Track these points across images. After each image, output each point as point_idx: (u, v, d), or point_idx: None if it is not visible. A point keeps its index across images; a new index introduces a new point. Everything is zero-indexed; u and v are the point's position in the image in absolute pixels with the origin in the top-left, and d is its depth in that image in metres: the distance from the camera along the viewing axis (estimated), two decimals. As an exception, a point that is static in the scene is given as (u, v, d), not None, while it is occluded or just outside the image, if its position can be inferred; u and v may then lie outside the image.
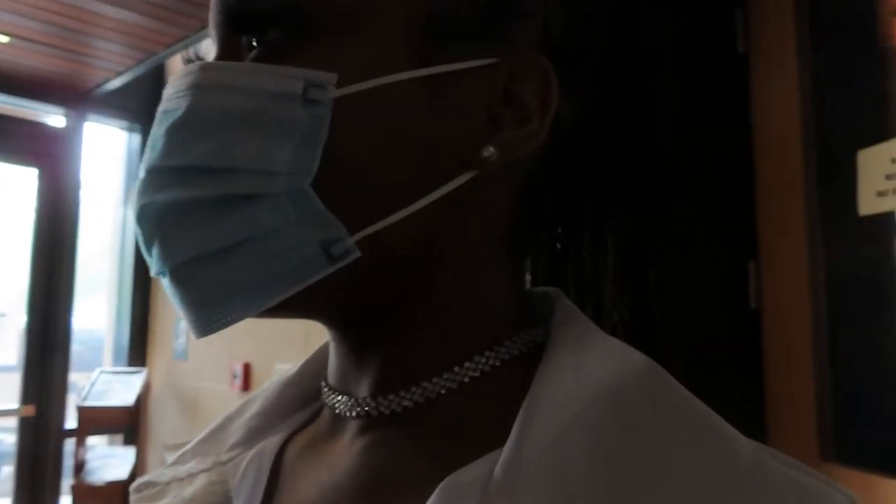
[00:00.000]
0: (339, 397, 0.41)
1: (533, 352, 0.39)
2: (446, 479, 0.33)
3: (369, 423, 0.39)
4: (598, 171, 0.44)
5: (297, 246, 0.34)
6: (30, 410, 3.37)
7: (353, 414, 0.39)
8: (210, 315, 0.34)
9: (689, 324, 1.31)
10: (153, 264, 0.36)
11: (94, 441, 3.51)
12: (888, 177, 1.01)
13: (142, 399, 3.56)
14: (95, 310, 3.89)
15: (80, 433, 3.31)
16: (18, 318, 3.47)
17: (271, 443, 0.44)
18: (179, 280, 0.35)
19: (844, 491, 0.33)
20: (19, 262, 3.45)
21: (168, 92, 0.36)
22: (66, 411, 3.43)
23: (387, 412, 0.38)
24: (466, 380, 0.38)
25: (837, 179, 1.11)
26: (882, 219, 1.02)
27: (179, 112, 0.35)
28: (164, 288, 0.36)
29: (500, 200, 0.40)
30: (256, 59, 0.36)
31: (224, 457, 0.45)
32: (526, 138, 0.37)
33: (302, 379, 0.47)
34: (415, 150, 0.36)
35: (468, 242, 0.39)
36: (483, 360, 0.38)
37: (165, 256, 0.35)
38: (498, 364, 0.38)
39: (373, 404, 0.39)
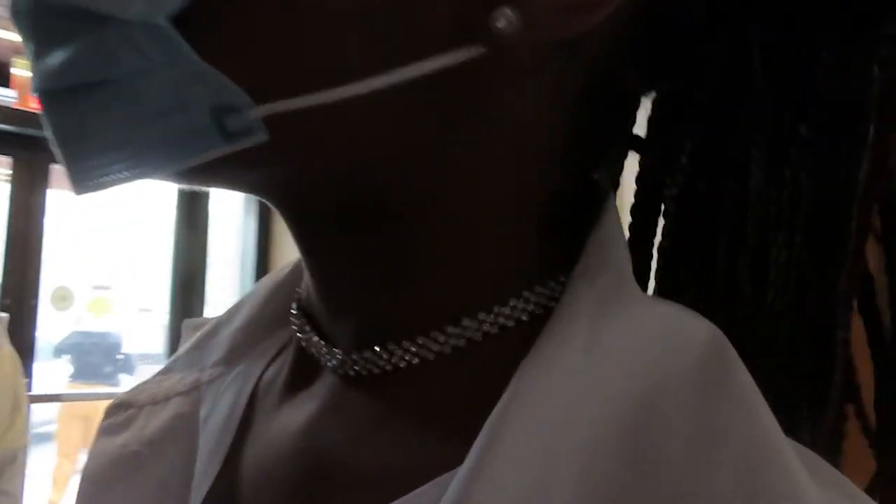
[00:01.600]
0: (312, 337, 0.31)
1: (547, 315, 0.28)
2: None
3: (342, 381, 0.30)
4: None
5: (176, 105, 0.24)
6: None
7: (327, 364, 0.31)
8: (80, 168, 0.25)
9: None
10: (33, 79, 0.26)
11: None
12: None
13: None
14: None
15: None
16: (162, 315, 3.89)
17: (249, 368, 0.35)
18: (50, 109, 0.26)
19: None
20: (162, 265, 3.87)
21: None
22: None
23: (352, 373, 0.29)
24: (445, 350, 0.28)
25: None
26: None
27: None
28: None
29: (536, 101, 0.28)
30: None
31: (205, 375, 0.36)
32: (578, 6, 0.24)
33: (291, 286, 0.36)
34: (389, 6, 0.24)
35: (476, 150, 0.27)
36: (476, 323, 0.28)
37: (32, 74, 0.26)
38: (480, 336, 0.28)
39: (346, 361, 0.30)
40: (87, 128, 0.25)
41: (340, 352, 0.30)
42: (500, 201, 0.29)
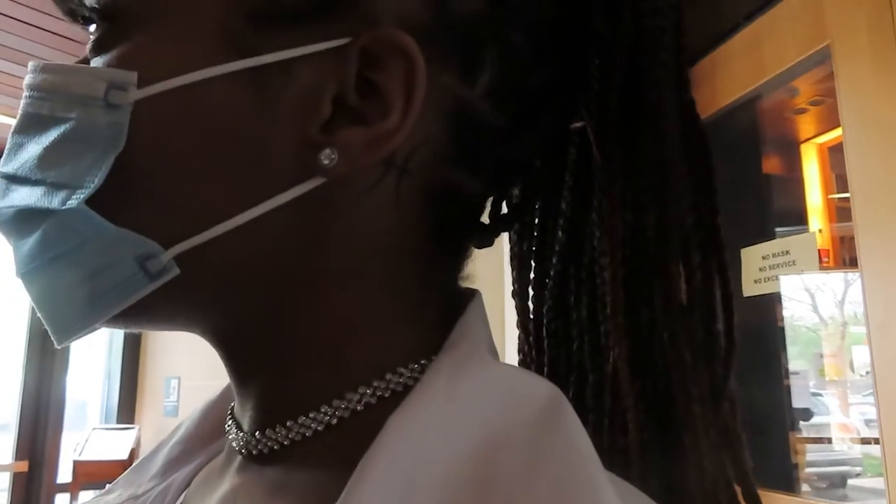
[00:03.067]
0: (233, 428, 0.36)
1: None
2: None
3: (246, 461, 0.35)
4: (534, 180, 0.40)
5: (111, 263, 0.30)
6: (23, 466, 3.54)
7: (237, 448, 0.35)
8: (57, 325, 0.32)
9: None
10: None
11: (82, 496, 3.67)
12: (761, 269, 1.39)
13: (133, 455, 3.75)
14: (84, 369, 4.07)
15: (74, 487, 3.49)
16: (15, 377, 3.65)
17: (181, 475, 0.41)
18: (27, 285, 0.33)
19: None
20: (16, 323, 3.64)
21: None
22: (58, 467, 3.61)
23: (255, 452, 0.34)
24: (327, 424, 0.32)
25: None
26: (758, 298, 1.43)
27: (18, 116, 0.33)
28: None
29: (383, 210, 0.33)
30: (89, 56, 0.33)
31: (141, 489, 0.41)
32: (378, 138, 0.31)
33: (224, 402, 0.42)
34: (236, 155, 0.30)
35: (338, 259, 0.33)
36: (345, 401, 0.32)
37: (14, 262, 0.33)
38: (362, 406, 0.32)
39: (249, 441, 0.34)
40: (55, 293, 0.32)
41: (246, 434, 0.35)
42: (365, 300, 0.34)
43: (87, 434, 3.68)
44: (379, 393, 0.33)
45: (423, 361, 0.33)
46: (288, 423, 0.33)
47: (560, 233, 0.41)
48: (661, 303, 0.36)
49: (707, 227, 0.37)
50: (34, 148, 0.31)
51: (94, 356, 4.05)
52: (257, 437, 0.34)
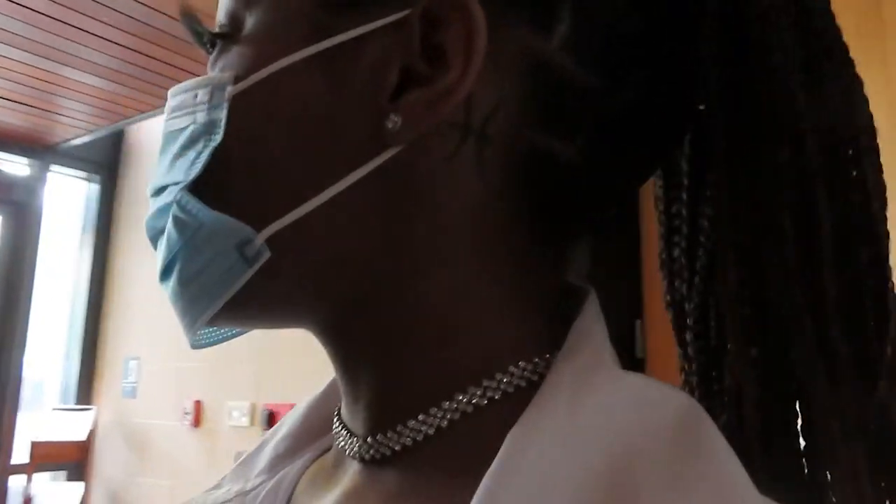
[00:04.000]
0: (342, 431, 0.36)
1: (533, 388, 0.31)
2: None
3: (360, 466, 0.35)
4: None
5: (215, 253, 0.32)
6: (-23, 447, 3.49)
7: (348, 453, 0.35)
8: (185, 324, 0.34)
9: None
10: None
11: (37, 478, 3.63)
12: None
13: (91, 436, 3.71)
14: (42, 349, 4.02)
15: (30, 468, 3.44)
16: (-30, 356, 3.59)
17: (291, 471, 0.40)
18: (165, 292, 0.35)
19: None
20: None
21: None
22: (13, 449, 3.55)
23: (367, 457, 0.34)
24: (438, 427, 0.32)
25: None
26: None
27: (162, 135, 0.36)
28: None
29: (467, 182, 0.32)
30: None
31: (249, 484, 0.41)
32: (437, 96, 0.30)
33: (328, 399, 0.43)
34: (316, 135, 0.32)
35: (426, 239, 0.32)
36: (455, 402, 0.32)
37: (159, 268, 0.35)
38: (472, 408, 0.31)
39: (362, 446, 0.34)
40: (178, 292, 0.33)
41: (358, 439, 0.35)
42: (460, 285, 0.33)
43: (46, 414, 3.64)
44: (490, 394, 0.32)
45: (536, 360, 0.32)
46: (398, 428, 0.33)
47: (687, 241, 0.36)
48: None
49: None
50: (166, 159, 0.34)
51: (52, 335, 4.00)
52: (369, 441, 0.34)
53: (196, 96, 0.34)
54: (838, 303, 0.31)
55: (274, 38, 0.33)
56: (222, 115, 0.32)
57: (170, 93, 0.36)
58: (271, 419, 2.88)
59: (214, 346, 0.40)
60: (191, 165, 0.33)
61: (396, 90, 0.31)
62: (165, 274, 0.34)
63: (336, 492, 0.35)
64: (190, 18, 0.37)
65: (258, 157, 0.32)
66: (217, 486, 0.43)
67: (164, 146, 0.35)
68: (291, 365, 2.78)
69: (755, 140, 0.32)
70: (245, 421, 2.98)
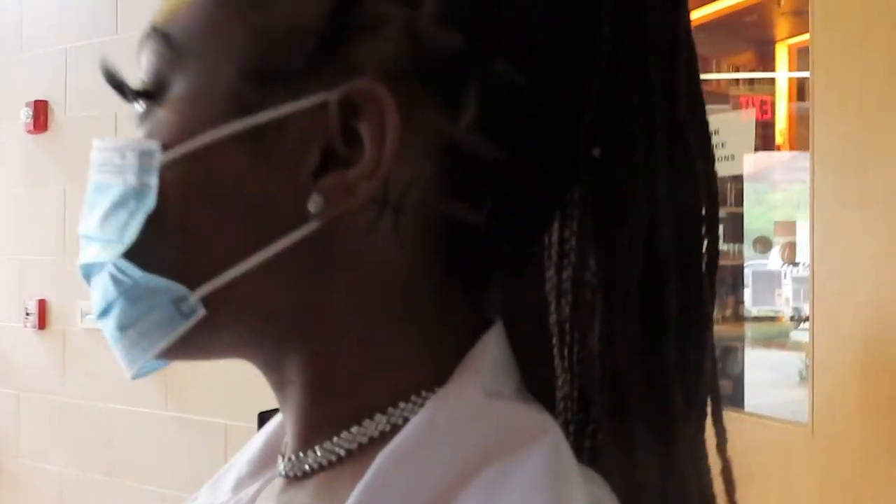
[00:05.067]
0: (282, 454, 0.41)
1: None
2: None
3: (285, 483, 0.39)
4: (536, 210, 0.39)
5: (151, 306, 0.35)
6: None
7: (279, 472, 0.40)
8: (124, 362, 0.38)
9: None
10: None
11: None
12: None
13: None
14: None
15: None
16: None
17: (250, 491, 0.44)
18: (101, 328, 0.38)
19: None
20: None
21: None
22: None
23: (290, 475, 0.39)
24: (348, 450, 0.36)
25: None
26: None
27: (88, 185, 0.39)
28: None
29: (385, 249, 0.35)
30: (137, 130, 0.38)
31: (218, 499, 0.45)
32: (355, 181, 0.33)
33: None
34: (243, 206, 0.35)
35: (347, 297, 0.36)
36: (363, 428, 0.36)
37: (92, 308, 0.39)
38: (375, 435, 0.36)
39: (286, 464, 0.39)
40: (117, 335, 0.37)
41: (285, 458, 0.39)
42: (379, 334, 0.37)
43: None
44: (393, 420, 0.36)
45: (423, 394, 0.36)
46: (315, 448, 0.37)
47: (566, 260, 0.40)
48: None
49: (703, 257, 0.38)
50: (96, 212, 0.37)
51: None
52: (292, 460, 0.38)
53: (124, 157, 0.36)
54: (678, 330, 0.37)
55: (199, 109, 0.35)
56: (153, 181, 0.35)
57: (96, 144, 0.38)
58: (134, 321, 2.53)
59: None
60: (123, 228, 0.36)
61: (318, 169, 0.34)
62: (103, 315, 0.37)
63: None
64: (112, 75, 0.38)
65: (189, 224, 0.36)
66: (194, 499, 0.47)
67: (93, 195, 0.38)
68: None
69: (617, 220, 0.36)
70: (102, 323, 2.62)
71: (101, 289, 0.36)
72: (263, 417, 1.09)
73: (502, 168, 0.36)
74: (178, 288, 0.35)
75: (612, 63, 0.35)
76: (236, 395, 2.27)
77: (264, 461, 0.45)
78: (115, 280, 0.35)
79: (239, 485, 0.45)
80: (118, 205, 0.36)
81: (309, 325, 0.37)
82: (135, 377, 0.38)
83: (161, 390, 2.47)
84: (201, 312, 0.35)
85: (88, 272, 0.38)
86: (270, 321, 0.37)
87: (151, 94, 0.36)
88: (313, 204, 0.34)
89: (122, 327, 0.36)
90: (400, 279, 0.36)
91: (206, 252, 0.36)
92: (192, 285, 0.35)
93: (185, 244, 0.36)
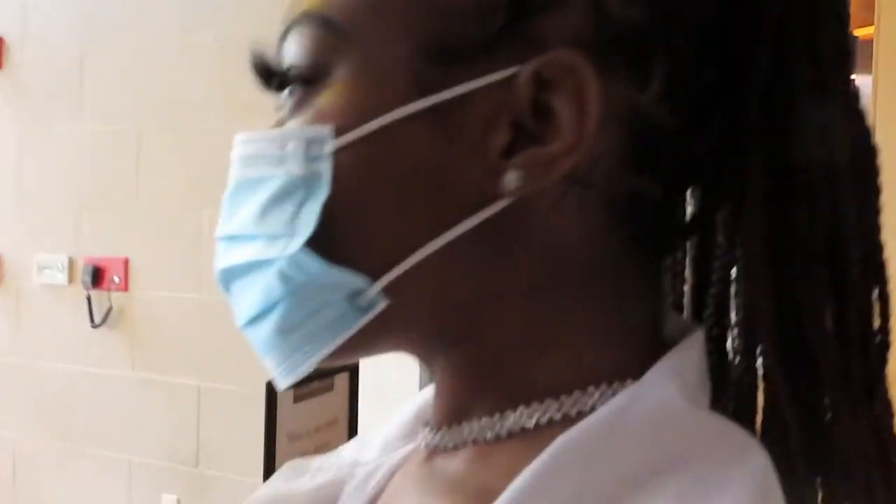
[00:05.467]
0: (426, 430, 0.41)
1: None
2: None
3: (427, 455, 0.40)
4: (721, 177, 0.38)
5: (323, 304, 0.34)
6: None
7: (424, 444, 0.40)
8: (282, 370, 0.37)
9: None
10: (236, 320, 0.38)
11: None
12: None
13: None
14: None
15: None
16: None
17: (392, 459, 0.45)
18: (249, 336, 0.37)
19: None
20: None
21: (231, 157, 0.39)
22: None
23: (432, 446, 0.39)
24: (509, 431, 0.35)
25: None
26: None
27: (230, 183, 0.37)
28: None
29: (569, 227, 0.35)
30: (286, 118, 0.37)
31: (363, 459, 0.46)
32: (557, 157, 0.32)
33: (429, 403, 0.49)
34: (426, 188, 0.34)
35: (527, 278, 0.35)
36: (528, 412, 0.35)
37: (236, 315, 0.37)
38: (543, 422, 0.35)
39: (428, 436, 0.39)
40: (276, 340, 0.36)
41: (433, 431, 0.39)
42: (558, 316, 0.36)
43: None
44: (565, 409, 0.35)
45: (615, 384, 0.35)
46: (474, 421, 0.37)
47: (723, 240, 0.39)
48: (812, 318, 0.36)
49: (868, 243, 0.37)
50: (248, 209, 0.36)
51: None
52: (444, 431, 0.38)
53: (284, 146, 0.35)
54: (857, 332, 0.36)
55: (373, 90, 0.34)
56: (325, 168, 0.34)
57: (239, 139, 0.37)
58: (98, 277, 2.35)
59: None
60: (293, 220, 0.34)
61: (508, 146, 0.33)
62: (256, 320, 0.36)
63: (411, 476, 0.41)
64: (261, 57, 0.37)
65: (367, 210, 0.34)
66: (336, 454, 0.49)
67: (241, 192, 0.37)
68: (121, 210, 2.30)
69: (796, 194, 0.35)
70: (62, 279, 2.43)
71: (262, 290, 0.35)
72: (271, 387, 0.99)
73: (683, 140, 0.36)
74: (356, 280, 0.34)
75: (780, 35, 0.35)
76: (210, 355, 2.12)
77: (413, 429, 0.45)
78: (284, 278, 0.34)
79: (387, 447, 0.46)
80: (281, 197, 0.34)
81: (484, 308, 0.36)
82: (287, 387, 0.37)
83: (127, 350, 2.31)
84: (382, 304, 0.34)
85: (235, 275, 0.37)
86: (448, 308, 0.36)
87: (309, 79, 0.35)
88: (509, 181, 0.33)
89: (285, 331, 0.35)
90: (579, 257, 0.36)
91: (386, 239, 0.34)
92: (373, 276, 0.34)
93: (364, 232, 0.35)
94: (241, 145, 0.37)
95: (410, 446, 0.44)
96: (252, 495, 0.47)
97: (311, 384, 1.19)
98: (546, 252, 0.35)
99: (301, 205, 0.34)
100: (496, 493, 0.32)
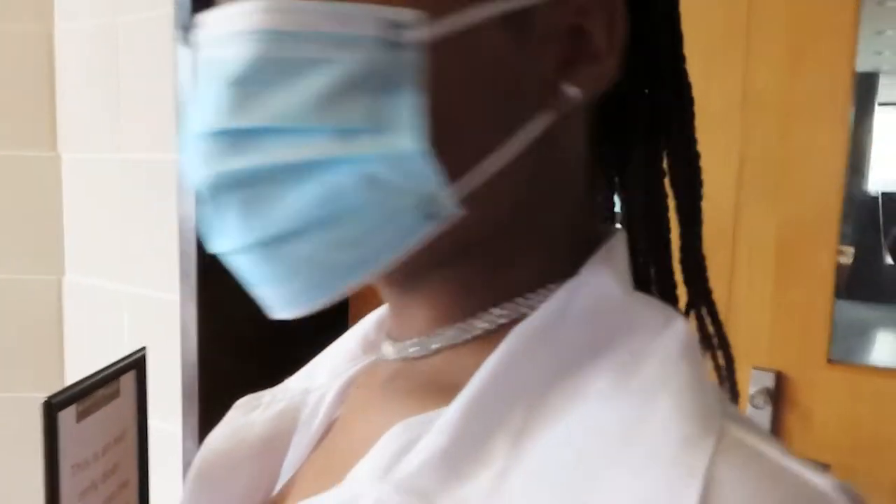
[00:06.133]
0: (385, 346, 0.42)
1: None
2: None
3: (392, 368, 0.41)
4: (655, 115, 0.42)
5: (396, 212, 0.32)
6: None
7: (395, 356, 0.40)
8: (300, 295, 0.33)
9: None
10: (226, 240, 0.33)
11: None
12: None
13: None
14: None
15: None
16: None
17: (340, 380, 0.46)
18: (265, 257, 0.33)
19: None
20: None
21: (211, 33, 0.32)
22: None
23: (400, 358, 0.40)
24: (463, 338, 0.38)
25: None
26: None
27: (241, 62, 0.30)
28: (233, 264, 0.34)
29: (579, 140, 0.39)
30: None
31: (312, 386, 0.47)
32: (599, 76, 0.36)
33: (368, 326, 0.50)
34: (500, 92, 0.34)
35: (556, 183, 0.38)
36: (489, 316, 0.38)
37: (247, 231, 0.32)
38: (490, 327, 0.37)
39: (391, 350, 0.40)
40: (319, 262, 0.32)
41: (402, 342, 0.40)
42: (553, 219, 0.38)
43: None
44: (521, 309, 0.37)
45: (567, 281, 0.37)
46: (447, 329, 0.38)
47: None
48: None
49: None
50: (289, 96, 0.30)
51: None
52: (418, 341, 0.39)
53: (346, 24, 0.30)
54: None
55: None
56: (419, 57, 0.31)
57: (253, 6, 0.30)
58: None
59: None
60: (378, 113, 0.30)
61: (568, 58, 0.35)
62: (287, 239, 0.32)
63: (373, 388, 0.42)
64: None
65: (453, 111, 0.32)
66: (283, 389, 0.49)
67: (262, 75, 0.30)
68: None
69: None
70: None
71: (322, 196, 0.31)
72: (49, 406, 0.81)
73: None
74: (431, 186, 0.31)
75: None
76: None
77: (358, 353, 0.47)
78: (371, 181, 0.30)
79: (334, 371, 0.47)
80: (349, 86, 0.30)
81: (520, 218, 0.37)
82: (296, 314, 0.34)
83: None
84: (455, 212, 0.32)
85: (249, 180, 0.31)
86: (502, 215, 0.36)
87: None
88: (569, 91, 0.35)
89: (345, 245, 0.32)
90: (585, 158, 0.39)
91: (462, 141, 0.33)
92: (450, 178, 0.32)
93: (439, 134, 0.31)
94: (260, 14, 0.30)
95: (359, 366, 0.46)
96: (211, 433, 0.47)
97: (96, 393, 1.03)
98: (568, 156, 0.38)
99: (382, 96, 0.30)
100: (461, 388, 0.33)
